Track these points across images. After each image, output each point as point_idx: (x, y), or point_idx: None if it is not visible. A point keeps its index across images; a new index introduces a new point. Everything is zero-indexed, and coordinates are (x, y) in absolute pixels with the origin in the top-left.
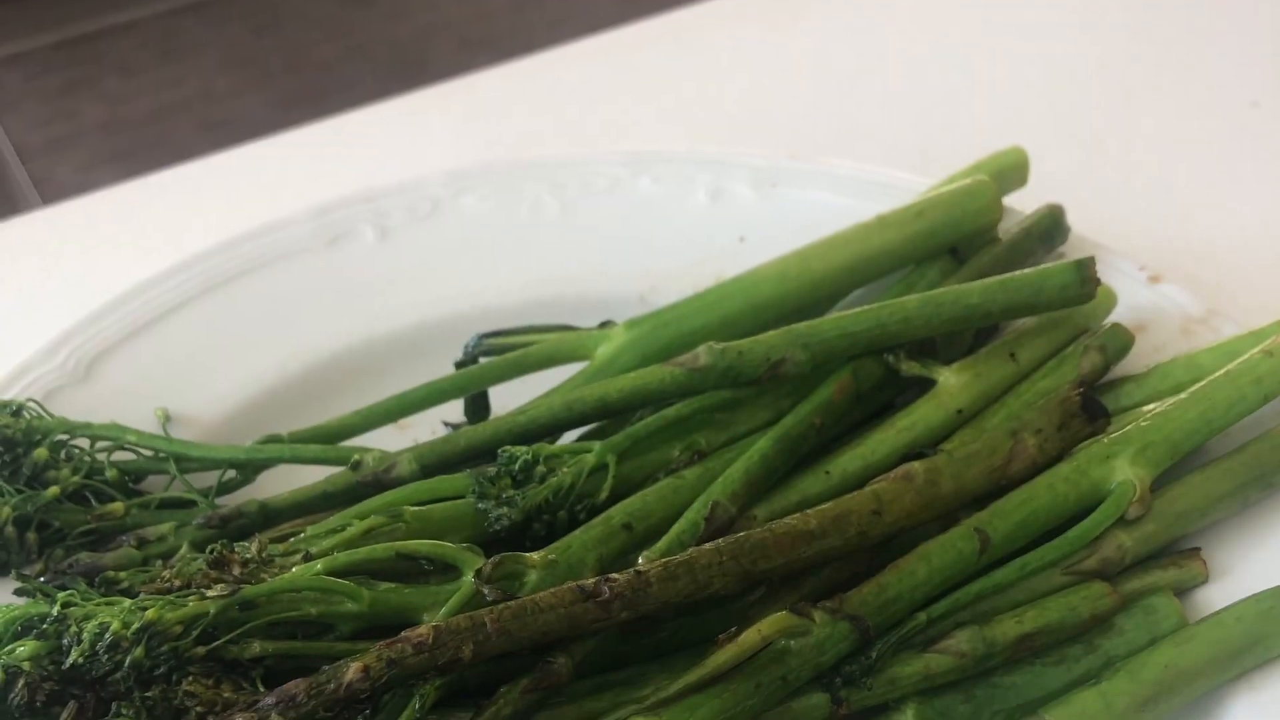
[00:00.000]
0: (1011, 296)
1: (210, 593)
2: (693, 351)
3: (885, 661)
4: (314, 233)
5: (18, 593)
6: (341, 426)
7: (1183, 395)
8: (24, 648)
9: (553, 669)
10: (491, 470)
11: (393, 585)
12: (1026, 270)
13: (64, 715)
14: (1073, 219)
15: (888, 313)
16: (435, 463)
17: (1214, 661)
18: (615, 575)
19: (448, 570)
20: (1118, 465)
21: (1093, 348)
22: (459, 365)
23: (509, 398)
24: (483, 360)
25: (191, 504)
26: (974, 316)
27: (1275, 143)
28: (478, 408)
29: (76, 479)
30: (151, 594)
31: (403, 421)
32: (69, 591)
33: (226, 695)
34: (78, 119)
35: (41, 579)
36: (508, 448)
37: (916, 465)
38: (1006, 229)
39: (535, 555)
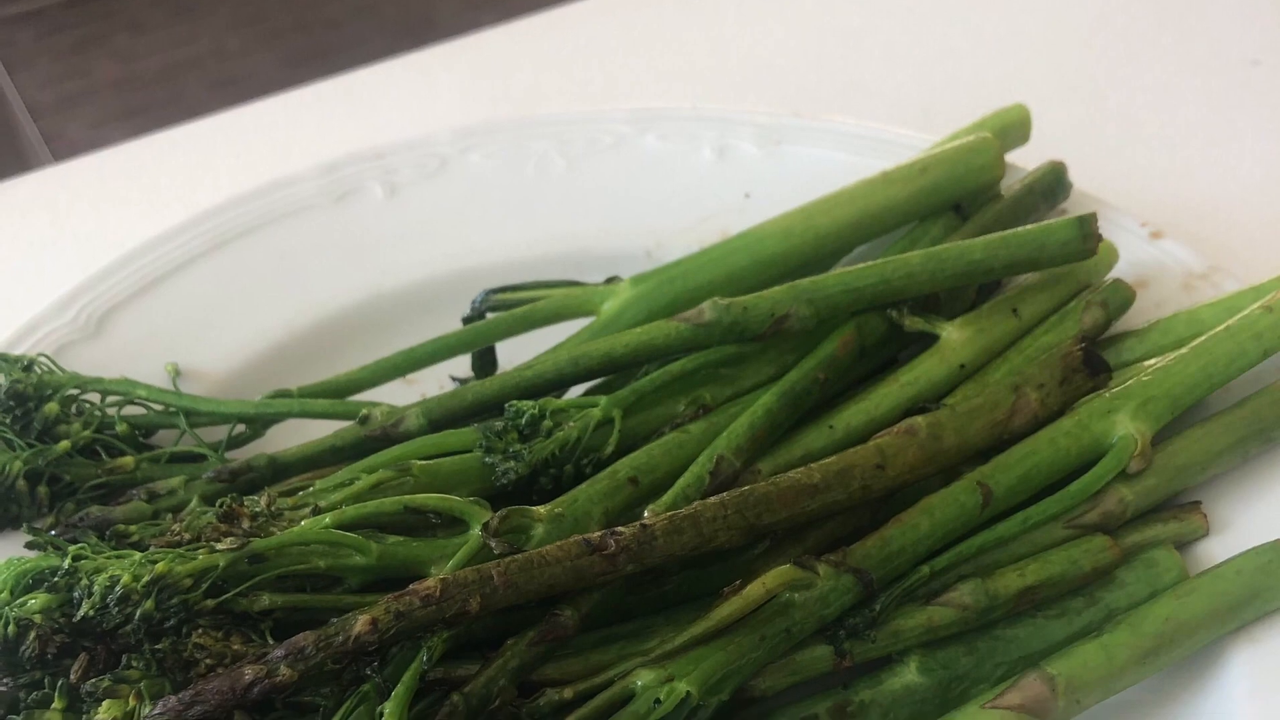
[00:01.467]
0: (1014, 252)
1: (220, 546)
2: (698, 307)
3: (888, 614)
4: (323, 189)
5: (29, 546)
6: (350, 381)
7: (1183, 350)
8: (35, 600)
9: (559, 621)
10: (498, 424)
11: (400, 538)
12: (1029, 226)
13: (74, 667)
14: (1074, 175)
15: (891, 268)
16: (443, 417)
17: (1214, 614)
18: (621, 528)
19: (455, 524)
20: (1119, 420)
21: (1094, 303)
22: (466, 321)
23: (516, 353)
24: (490, 316)
25: (201, 458)
26: (977, 272)
27: (1276, 100)
28: (485, 363)
29: (87, 433)
30: (161, 547)
31: (410, 376)
32: (80, 545)
33: (236, 647)
34: (89, 76)
35: (52, 532)
36: (514, 402)
37: (919, 420)
38: (1009, 185)
39: (542, 509)
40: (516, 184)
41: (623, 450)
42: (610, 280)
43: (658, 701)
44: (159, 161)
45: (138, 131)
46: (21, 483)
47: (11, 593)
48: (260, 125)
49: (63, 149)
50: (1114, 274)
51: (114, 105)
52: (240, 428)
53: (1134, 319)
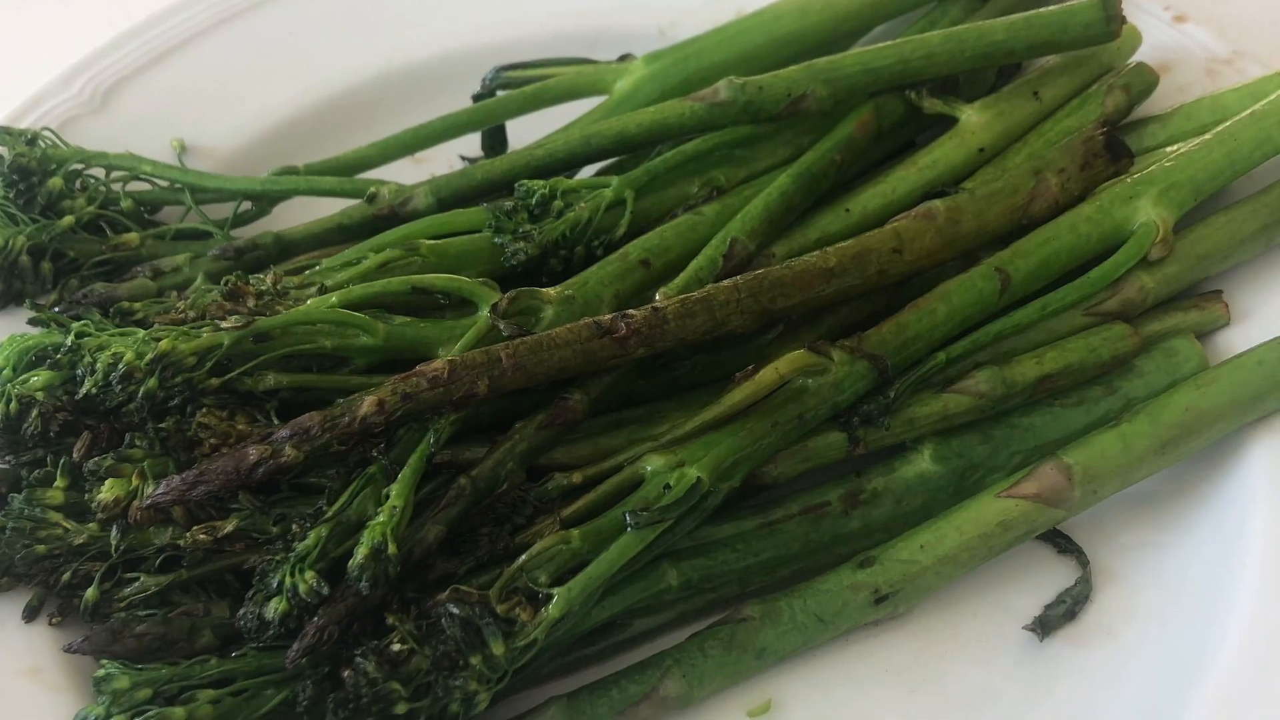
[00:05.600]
0: (1036, 33)
1: (224, 324)
2: (713, 86)
3: (903, 401)
4: None
5: (32, 322)
6: (358, 159)
7: (1207, 136)
8: (38, 377)
9: (568, 405)
10: (508, 204)
11: (408, 319)
12: (1052, 7)
13: (77, 446)
14: None
15: (911, 48)
16: (451, 196)
17: (1234, 404)
18: (632, 311)
19: (463, 305)
20: (1140, 206)
21: (1117, 87)
22: (476, 98)
23: (526, 132)
24: (500, 93)
25: (207, 235)
26: (998, 53)
27: None
28: (495, 141)
29: (91, 209)
30: (166, 325)
31: (419, 155)
32: (83, 322)
33: (240, 427)
34: None
35: (56, 309)
36: (525, 182)
37: (938, 203)
38: None
39: (552, 290)
40: None
41: (635, 232)
42: (623, 58)
43: (668, 487)
44: None
45: None
46: (25, 258)
47: (14, 369)
48: None
49: None
50: (1137, 58)
51: None
52: (246, 205)
53: (1156, 104)
